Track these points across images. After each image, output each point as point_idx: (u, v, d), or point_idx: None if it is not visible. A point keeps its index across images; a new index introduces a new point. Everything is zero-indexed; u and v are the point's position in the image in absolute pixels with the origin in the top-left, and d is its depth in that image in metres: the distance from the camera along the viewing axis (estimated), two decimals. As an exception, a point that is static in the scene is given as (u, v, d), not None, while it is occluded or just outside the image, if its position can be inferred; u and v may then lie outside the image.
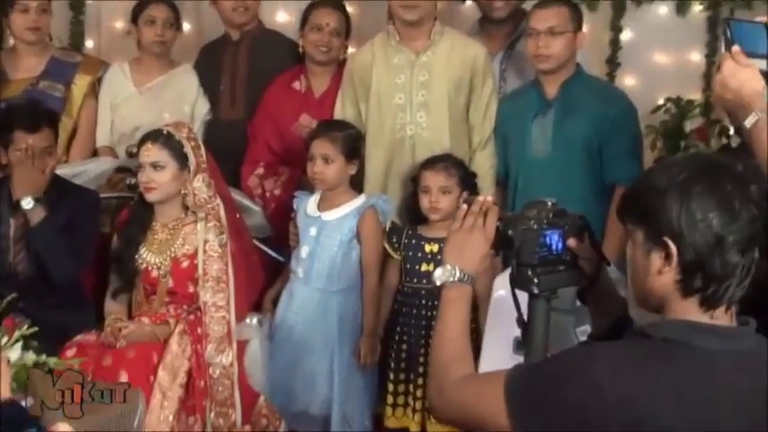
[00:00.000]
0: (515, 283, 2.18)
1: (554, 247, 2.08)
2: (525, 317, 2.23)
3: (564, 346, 2.07)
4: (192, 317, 4.21)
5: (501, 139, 4.75)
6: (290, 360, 4.45)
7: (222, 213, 4.33)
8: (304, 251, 4.53)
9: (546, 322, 2.18)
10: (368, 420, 4.59)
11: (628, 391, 1.78)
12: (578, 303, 2.75)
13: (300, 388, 4.42)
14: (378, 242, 4.52)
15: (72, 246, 4.32)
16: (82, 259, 4.39)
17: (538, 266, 2.11)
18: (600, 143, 4.56)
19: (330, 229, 4.51)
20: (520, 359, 3.25)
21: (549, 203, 2.10)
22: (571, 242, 2.14)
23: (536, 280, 2.12)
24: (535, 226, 2.07)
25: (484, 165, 4.71)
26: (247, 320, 4.34)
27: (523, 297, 2.26)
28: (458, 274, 2.12)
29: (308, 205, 4.59)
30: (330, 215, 4.52)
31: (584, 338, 3.00)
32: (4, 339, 3.46)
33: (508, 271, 2.29)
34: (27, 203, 4.27)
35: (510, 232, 2.10)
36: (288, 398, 4.41)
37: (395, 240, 4.54)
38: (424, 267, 4.50)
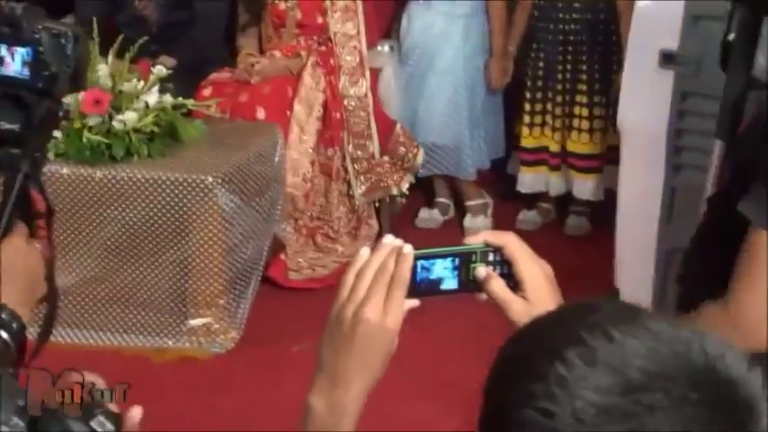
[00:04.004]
0: None
1: None
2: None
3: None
4: (323, 48, 4.14)
5: None
6: (413, 87, 4.37)
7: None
8: (426, -25, 4.35)
9: None
10: (501, 143, 4.54)
11: None
12: None
13: (423, 116, 4.35)
14: None
15: None
16: None
17: None
18: None
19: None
20: (666, 74, 3.12)
21: None
22: None
23: None
24: None
25: None
26: (379, 48, 4.24)
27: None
28: None
29: None
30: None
31: None
32: (140, 84, 3.48)
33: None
34: None
35: None
36: (413, 127, 4.35)
37: (528, -48, 4.30)
38: (560, -23, 4.26)
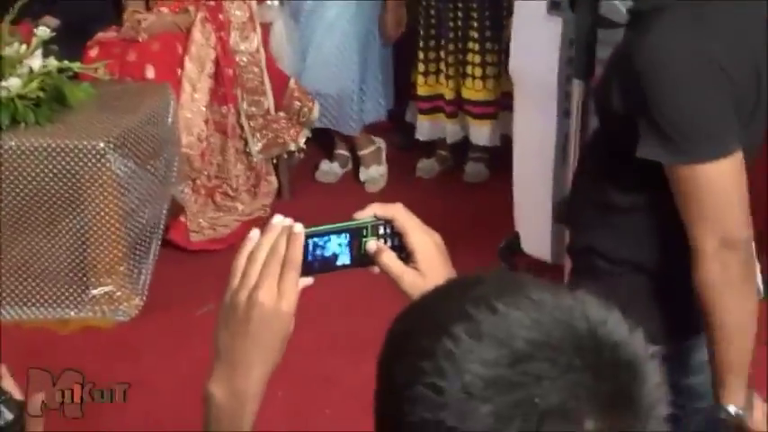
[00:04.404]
0: None
1: None
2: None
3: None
4: (212, 2, 4.05)
5: None
6: (304, 39, 4.33)
7: None
8: None
9: None
10: (390, 94, 4.55)
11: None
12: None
13: (311, 63, 4.31)
14: None
15: None
16: None
17: None
18: None
19: None
20: (555, 21, 3.15)
21: None
22: None
23: None
24: None
25: None
26: (268, 2, 4.18)
27: None
28: None
29: None
30: None
31: None
32: (23, 47, 3.37)
33: None
34: None
35: None
36: (300, 76, 4.32)
37: None
38: None
